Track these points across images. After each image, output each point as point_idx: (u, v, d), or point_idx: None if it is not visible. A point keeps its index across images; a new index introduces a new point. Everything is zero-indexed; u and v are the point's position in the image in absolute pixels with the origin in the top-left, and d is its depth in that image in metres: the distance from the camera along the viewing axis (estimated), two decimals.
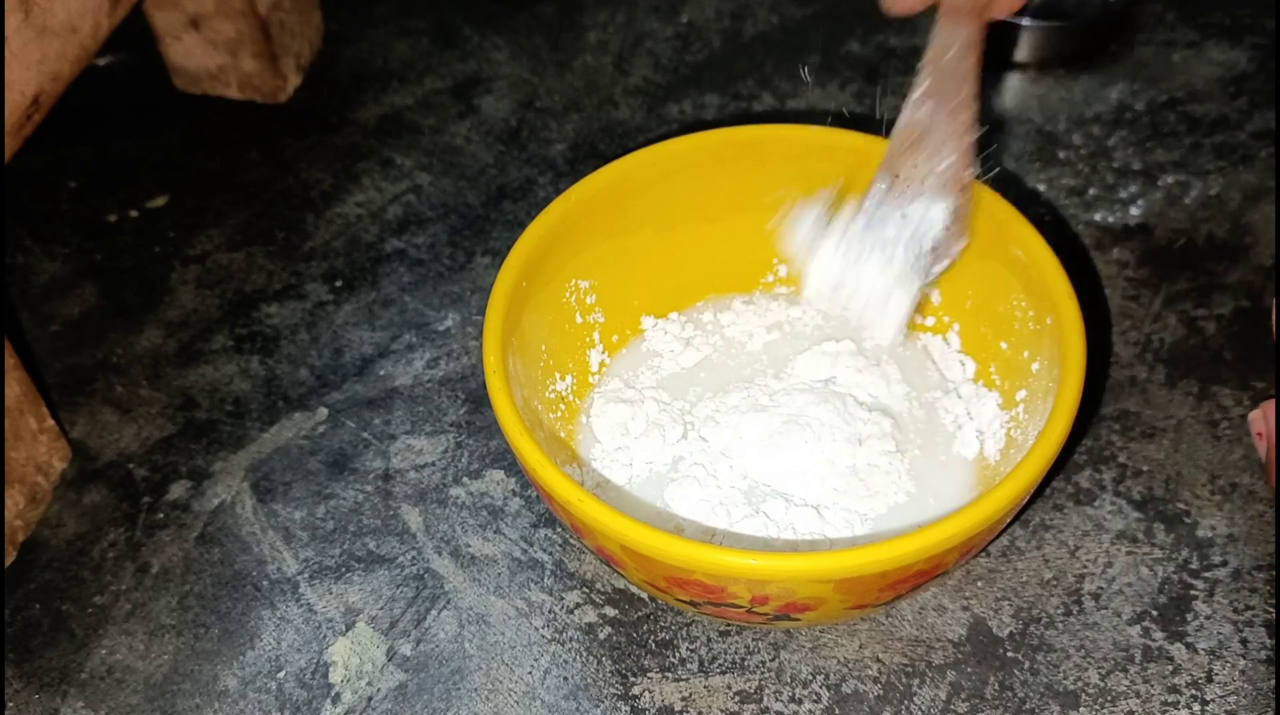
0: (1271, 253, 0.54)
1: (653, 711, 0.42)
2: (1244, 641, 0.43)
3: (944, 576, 0.40)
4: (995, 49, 0.63)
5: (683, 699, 0.42)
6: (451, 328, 0.55)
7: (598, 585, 0.46)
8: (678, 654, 0.44)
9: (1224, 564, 0.45)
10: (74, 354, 0.55)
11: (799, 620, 0.39)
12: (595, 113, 0.64)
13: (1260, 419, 0.47)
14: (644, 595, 0.45)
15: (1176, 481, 0.47)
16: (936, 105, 0.43)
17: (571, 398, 0.48)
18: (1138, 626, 0.43)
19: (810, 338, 0.50)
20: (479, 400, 0.52)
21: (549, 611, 0.45)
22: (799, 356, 0.49)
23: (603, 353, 0.49)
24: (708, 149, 0.48)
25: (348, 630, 0.45)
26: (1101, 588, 0.44)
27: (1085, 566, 0.45)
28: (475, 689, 0.43)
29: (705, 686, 0.43)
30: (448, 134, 0.63)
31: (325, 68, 0.67)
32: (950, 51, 0.42)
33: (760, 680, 0.43)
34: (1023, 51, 0.63)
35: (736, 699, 0.42)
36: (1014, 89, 0.63)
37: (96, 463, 0.51)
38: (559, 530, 0.47)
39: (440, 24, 0.69)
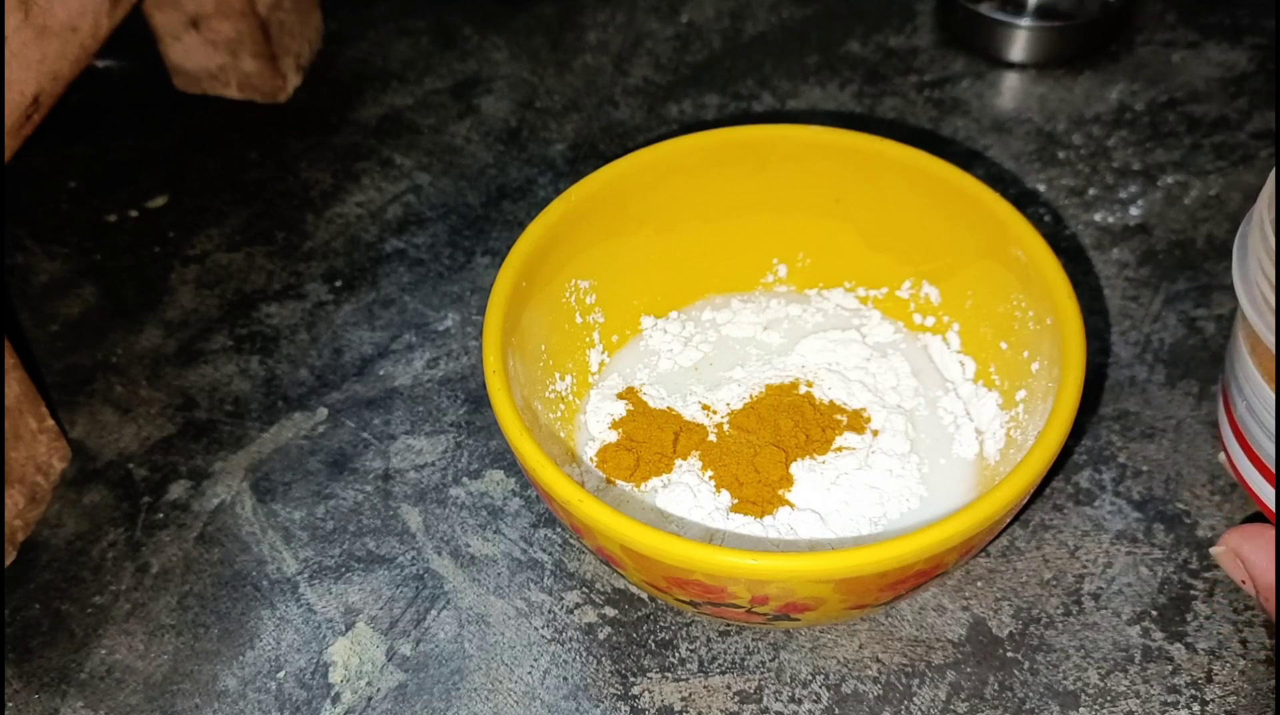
0: None
1: (652, 711, 0.42)
2: (1244, 641, 0.43)
3: (944, 576, 0.40)
4: (995, 49, 0.64)
5: (682, 699, 0.42)
6: (451, 328, 0.55)
7: (598, 585, 0.46)
8: (678, 654, 0.44)
9: None
10: (74, 354, 0.55)
11: (799, 620, 0.39)
12: (595, 113, 0.64)
13: (1233, 561, 0.40)
14: (644, 595, 0.45)
15: (1176, 481, 0.47)
16: None
17: (571, 397, 0.48)
18: (1137, 626, 0.43)
19: (812, 334, 0.50)
20: (479, 400, 0.52)
21: (549, 611, 0.45)
22: (803, 340, 0.49)
23: (602, 352, 0.49)
24: (708, 149, 0.48)
25: (347, 630, 0.45)
26: (1101, 588, 0.44)
27: (1085, 566, 0.45)
28: (475, 689, 0.43)
29: (705, 686, 0.43)
30: (448, 134, 0.63)
31: (325, 68, 0.67)
32: None
33: (760, 680, 0.43)
34: (1023, 51, 0.63)
35: (736, 699, 0.42)
36: (1014, 89, 0.63)
37: (96, 463, 0.51)
38: (559, 530, 0.47)
39: (440, 24, 0.69)
